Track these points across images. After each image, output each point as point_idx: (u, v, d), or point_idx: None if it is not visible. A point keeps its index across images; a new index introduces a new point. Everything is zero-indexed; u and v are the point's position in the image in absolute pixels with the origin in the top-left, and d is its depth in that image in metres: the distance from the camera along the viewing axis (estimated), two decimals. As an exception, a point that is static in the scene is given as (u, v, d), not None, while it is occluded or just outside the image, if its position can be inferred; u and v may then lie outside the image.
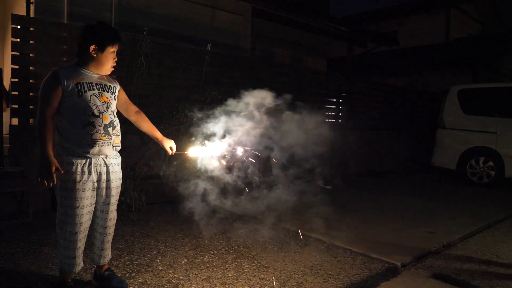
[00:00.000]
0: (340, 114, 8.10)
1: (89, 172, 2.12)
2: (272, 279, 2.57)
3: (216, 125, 2.79)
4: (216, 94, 4.69)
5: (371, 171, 8.03)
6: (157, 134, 2.50)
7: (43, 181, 1.96)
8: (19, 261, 2.69)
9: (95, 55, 2.13)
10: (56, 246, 2.21)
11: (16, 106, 3.91)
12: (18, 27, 3.91)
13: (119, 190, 2.33)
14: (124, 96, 2.40)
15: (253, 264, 2.82)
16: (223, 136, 2.75)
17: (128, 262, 2.75)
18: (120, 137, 2.26)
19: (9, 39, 4.29)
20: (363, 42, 10.46)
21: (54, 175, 1.98)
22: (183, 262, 2.80)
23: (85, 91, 2.09)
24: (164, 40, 5.50)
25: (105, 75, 2.26)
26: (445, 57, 12.09)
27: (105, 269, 2.37)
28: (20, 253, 2.83)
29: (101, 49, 2.13)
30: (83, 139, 2.07)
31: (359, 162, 7.95)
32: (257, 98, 3.04)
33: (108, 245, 2.36)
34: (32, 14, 5.04)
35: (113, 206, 2.30)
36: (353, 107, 8.26)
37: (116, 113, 2.28)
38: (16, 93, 3.90)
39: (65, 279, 2.23)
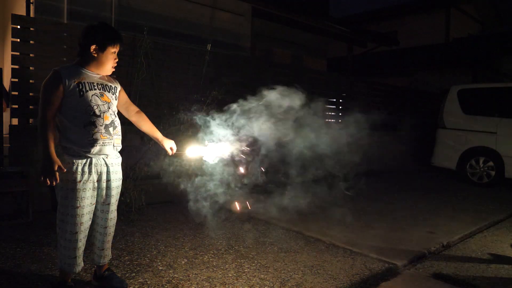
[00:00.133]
0: (340, 114, 8.10)
1: (90, 172, 2.12)
2: (272, 279, 2.57)
3: (220, 126, 2.80)
4: (216, 94, 4.70)
5: (371, 171, 8.02)
6: (158, 134, 2.50)
7: (46, 180, 1.97)
8: (19, 261, 2.69)
9: (95, 55, 2.13)
10: (56, 246, 2.21)
11: (16, 106, 3.91)
12: (18, 27, 3.91)
13: (119, 190, 2.33)
14: (125, 96, 2.41)
15: (253, 264, 2.82)
16: (227, 136, 2.76)
17: (128, 262, 2.75)
18: (120, 137, 2.26)
19: (9, 39, 4.29)
20: (363, 42, 10.47)
21: (57, 173, 1.98)
22: (183, 262, 2.80)
23: (87, 91, 2.10)
24: (164, 40, 5.50)
25: (106, 75, 2.26)
26: (445, 57, 12.09)
27: (105, 269, 2.37)
28: (20, 253, 2.83)
29: (101, 49, 2.13)
30: (84, 138, 2.07)
31: (358, 162, 7.93)
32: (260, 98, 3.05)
33: (108, 245, 2.36)
34: (32, 14, 5.04)
35: (113, 206, 2.30)
36: (353, 107, 8.25)
37: (117, 113, 2.28)
38: (16, 93, 3.90)
39: (65, 279, 2.23)
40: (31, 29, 3.97)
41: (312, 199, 4.38)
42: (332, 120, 7.97)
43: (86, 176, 2.11)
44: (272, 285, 2.49)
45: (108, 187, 2.23)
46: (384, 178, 7.62)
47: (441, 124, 7.55)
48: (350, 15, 16.60)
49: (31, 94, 3.95)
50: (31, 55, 4.00)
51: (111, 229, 2.34)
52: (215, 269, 2.71)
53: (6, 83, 4.90)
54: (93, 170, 2.14)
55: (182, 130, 4.37)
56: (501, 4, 16.01)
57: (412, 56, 12.75)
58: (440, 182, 7.30)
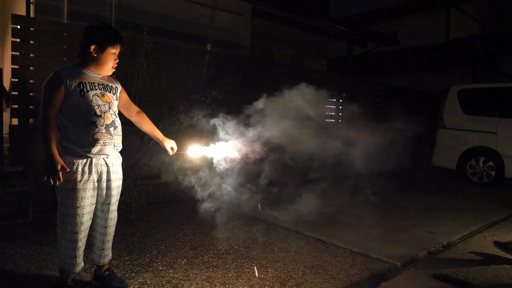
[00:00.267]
0: (340, 114, 8.10)
1: (90, 172, 2.12)
2: (272, 279, 2.57)
3: (224, 127, 2.81)
4: (216, 94, 4.70)
5: (370, 171, 8.01)
6: (158, 134, 2.51)
7: (49, 180, 1.97)
8: (19, 261, 2.69)
9: (95, 55, 2.13)
10: (56, 246, 2.21)
11: (16, 106, 3.91)
12: (18, 27, 3.90)
13: (119, 190, 2.33)
14: (125, 96, 2.41)
15: (253, 264, 2.82)
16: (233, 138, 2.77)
17: (128, 262, 2.75)
18: (121, 137, 2.26)
19: (9, 39, 4.29)
20: (363, 42, 10.48)
21: (60, 173, 1.98)
22: (183, 262, 2.80)
23: (88, 91, 2.10)
24: (164, 40, 5.50)
25: (107, 76, 2.26)
26: (445, 57, 12.09)
27: (105, 269, 2.37)
28: (20, 253, 2.83)
29: (101, 49, 2.13)
30: (84, 138, 2.07)
31: (358, 162, 7.93)
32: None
33: (109, 245, 2.36)
34: (32, 14, 5.04)
35: (114, 206, 2.30)
36: (352, 107, 8.25)
37: (117, 114, 2.28)
38: (16, 93, 3.90)
39: (65, 279, 2.23)
40: (31, 29, 3.97)
41: (312, 199, 4.39)
42: (332, 120, 7.97)
43: (86, 176, 2.11)
44: (272, 285, 2.49)
45: (109, 187, 2.23)
46: (383, 178, 7.61)
47: (441, 124, 7.54)
48: (350, 15, 16.60)
49: (31, 94, 3.95)
50: (31, 55, 4.00)
51: (111, 229, 2.34)
52: (215, 269, 2.71)
53: (6, 83, 4.89)
54: (94, 170, 2.14)
55: (182, 130, 4.37)
56: (501, 4, 16.01)
57: (412, 56, 12.75)
58: (440, 182, 7.29)
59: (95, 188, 2.17)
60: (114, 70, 2.26)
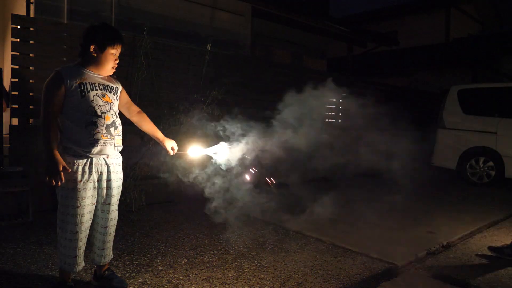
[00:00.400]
0: (340, 114, 8.10)
1: (90, 172, 2.13)
2: (272, 279, 2.57)
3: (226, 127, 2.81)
4: (216, 94, 4.70)
5: (370, 171, 8.02)
6: (159, 134, 2.51)
7: (51, 180, 1.98)
8: (19, 261, 2.69)
9: (95, 55, 2.13)
10: (57, 245, 2.21)
11: (16, 106, 3.91)
12: (18, 27, 3.90)
13: (120, 190, 2.33)
14: (126, 96, 2.41)
15: (253, 264, 2.82)
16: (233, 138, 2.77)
17: (128, 262, 2.75)
18: (121, 137, 2.27)
19: (9, 39, 4.29)
20: (363, 42, 10.48)
21: (62, 174, 1.99)
22: (183, 262, 2.80)
23: (88, 91, 2.10)
24: (164, 40, 5.50)
25: (107, 76, 2.26)
26: (445, 57, 12.09)
27: (105, 269, 2.37)
28: (20, 253, 2.83)
29: (101, 49, 2.13)
30: (85, 138, 2.07)
31: (358, 162, 7.94)
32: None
33: (109, 245, 2.36)
34: (32, 14, 5.04)
35: (114, 206, 2.31)
36: (352, 107, 8.24)
37: (118, 114, 2.28)
38: (16, 93, 3.90)
39: (65, 279, 2.23)
40: (31, 29, 3.97)
41: (312, 199, 4.39)
42: (332, 120, 7.98)
43: (86, 176, 2.11)
44: (272, 285, 2.49)
45: (109, 187, 2.23)
46: (383, 178, 7.60)
47: (441, 124, 7.54)
48: (350, 15, 16.61)
49: (31, 94, 3.94)
50: (31, 55, 4.00)
51: (112, 229, 2.34)
52: (215, 269, 2.71)
53: (6, 83, 4.89)
54: (94, 170, 2.14)
55: (182, 130, 4.37)
56: (501, 4, 16.03)
57: (412, 56, 12.75)
58: (440, 182, 7.29)
59: (95, 188, 2.17)
60: (114, 70, 2.25)
